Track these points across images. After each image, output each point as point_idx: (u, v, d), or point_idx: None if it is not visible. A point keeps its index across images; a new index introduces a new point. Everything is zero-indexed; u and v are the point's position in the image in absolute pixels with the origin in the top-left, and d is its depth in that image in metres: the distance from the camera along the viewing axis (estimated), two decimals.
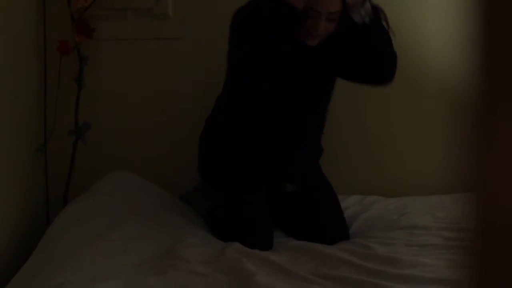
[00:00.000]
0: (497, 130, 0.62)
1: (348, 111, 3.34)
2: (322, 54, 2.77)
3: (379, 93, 3.30)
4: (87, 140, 3.24)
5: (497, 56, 0.64)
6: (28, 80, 3.06)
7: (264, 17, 2.60)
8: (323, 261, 2.49)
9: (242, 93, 2.82)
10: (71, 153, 3.25)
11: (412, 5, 3.28)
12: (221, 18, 2.84)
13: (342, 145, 3.36)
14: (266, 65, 2.63)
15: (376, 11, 2.68)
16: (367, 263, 2.45)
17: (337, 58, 2.79)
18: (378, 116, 3.36)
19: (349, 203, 3.15)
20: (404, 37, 3.26)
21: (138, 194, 3.03)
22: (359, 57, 2.74)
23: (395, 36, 2.73)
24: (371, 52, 2.71)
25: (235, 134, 2.84)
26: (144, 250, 2.54)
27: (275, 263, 2.44)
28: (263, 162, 2.84)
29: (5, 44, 2.77)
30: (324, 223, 2.85)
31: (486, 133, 0.62)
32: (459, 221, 2.77)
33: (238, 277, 2.32)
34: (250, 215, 2.79)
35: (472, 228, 0.66)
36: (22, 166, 2.99)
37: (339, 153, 3.34)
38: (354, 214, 3.03)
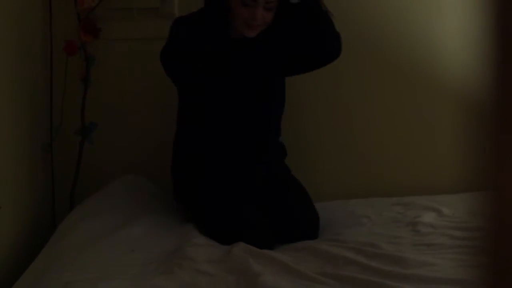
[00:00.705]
0: None
1: (351, 112, 3.34)
2: (261, 49, 2.80)
3: (388, 94, 3.31)
4: (93, 140, 3.25)
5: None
6: (34, 80, 3.07)
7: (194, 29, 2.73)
8: (329, 261, 2.49)
9: (191, 99, 2.86)
10: (77, 153, 3.26)
11: (425, 5, 3.27)
12: None
13: (346, 148, 3.36)
14: (202, 70, 2.72)
15: None
16: (373, 262, 2.44)
17: (277, 49, 2.81)
18: (385, 118, 3.36)
19: (352, 204, 3.16)
20: (417, 37, 3.26)
21: (146, 196, 3.05)
22: (299, 41, 2.77)
23: (333, 16, 2.77)
24: (310, 32, 2.74)
25: (195, 143, 2.88)
26: (151, 249, 2.54)
27: (281, 263, 2.44)
28: (225, 164, 2.86)
29: (11, 44, 2.77)
30: (297, 216, 2.85)
31: (501, 135, 0.62)
32: (467, 220, 2.77)
33: (245, 277, 2.33)
34: (246, 215, 2.79)
35: (485, 228, 0.67)
36: (28, 165, 2.99)
37: (344, 156, 3.35)
38: (360, 214, 3.02)
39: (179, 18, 2.88)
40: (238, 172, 2.88)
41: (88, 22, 3.15)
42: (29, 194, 2.99)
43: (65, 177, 3.27)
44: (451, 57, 3.25)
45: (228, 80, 2.80)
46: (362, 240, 2.70)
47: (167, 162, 3.08)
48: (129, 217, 2.78)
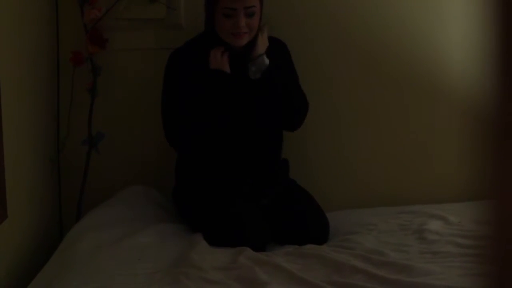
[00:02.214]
0: None
1: (356, 122, 3.35)
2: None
3: (392, 103, 3.32)
4: (100, 150, 3.26)
5: None
6: (41, 91, 3.08)
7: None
8: (336, 269, 2.48)
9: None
10: (84, 163, 3.27)
11: (427, 14, 3.28)
12: None
13: (350, 158, 3.36)
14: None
15: (275, 66, 2.87)
16: (380, 270, 2.44)
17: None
18: (390, 127, 3.36)
19: (359, 213, 3.17)
20: (419, 46, 3.27)
21: (152, 206, 3.06)
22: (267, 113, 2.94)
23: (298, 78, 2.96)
24: (272, 105, 2.91)
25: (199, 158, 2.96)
26: (157, 259, 2.55)
27: (288, 271, 2.44)
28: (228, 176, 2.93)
29: (18, 55, 2.79)
30: (306, 219, 2.87)
31: (506, 142, 0.63)
32: (473, 228, 2.77)
33: (251, 286, 2.33)
34: (238, 212, 2.82)
35: (491, 236, 0.67)
36: (35, 175, 3.00)
37: (350, 166, 3.36)
38: (366, 222, 3.03)
39: (173, 54, 2.98)
40: (243, 196, 2.91)
41: (94, 33, 3.16)
42: (36, 204, 3.00)
43: (72, 187, 3.28)
44: (454, 65, 3.25)
45: (229, 106, 2.88)
46: (369, 247, 2.70)
47: (173, 172, 3.09)
48: (136, 227, 2.79)
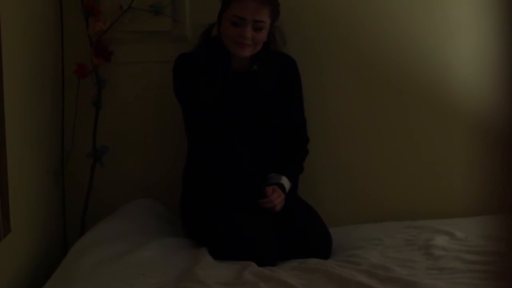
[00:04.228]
0: None
1: (362, 137, 3.33)
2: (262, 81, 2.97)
3: (398, 117, 3.30)
4: (104, 162, 3.25)
5: None
6: (46, 103, 3.07)
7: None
8: (342, 284, 2.45)
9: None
10: (89, 175, 3.25)
11: (435, 28, 3.26)
12: None
13: (357, 174, 3.35)
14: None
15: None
16: (386, 286, 2.41)
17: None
18: (397, 141, 3.34)
19: (365, 228, 3.14)
20: (426, 57, 3.25)
21: (157, 220, 3.05)
22: None
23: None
24: None
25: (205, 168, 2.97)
26: (162, 273, 2.53)
27: (293, 287, 2.42)
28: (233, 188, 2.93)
29: (23, 67, 2.78)
30: (307, 233, 2.85)
31: None
32: (480, 243, 2.74)
33: None
34: (249, 227, 2.81)
35: (500, 252, 0.65)
36: (39, 189, 2.99)
37: (355, 181, 3.34)
38: (372, 237, 3.00)
39: (181, 58, 2.97)
40: (247, 206, 2.90)
41: (100, 45, 3.16)
42: (40, 218, 2.99)
43: (76, 200, 3.27)
44: (460, 77, 3.23)
45: (233, 111, 2.90)
46: (374, 263, 2.68)
47: (178, 185, 3.07)
48: (140, 241, 2.78)
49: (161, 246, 2.78)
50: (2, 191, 2.48)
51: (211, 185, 2.94)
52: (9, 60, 2.55)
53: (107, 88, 3.23)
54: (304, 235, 2.84)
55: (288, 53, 3.07)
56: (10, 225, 2.53)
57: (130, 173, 3.32)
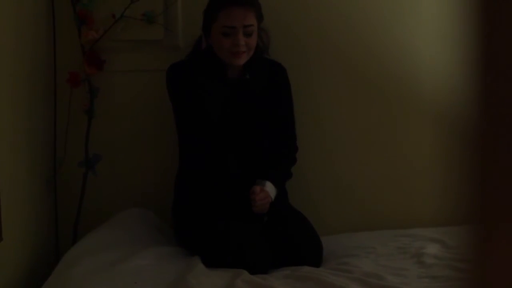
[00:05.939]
0: (496, 161, 0.62)
1: (351, 146, 3.34)
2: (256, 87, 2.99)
3: (387, 127, 3.30)
4: (97, 171, 3.24)
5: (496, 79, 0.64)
6: (38, 111, 3.07)
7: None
8: None
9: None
10: (81, 185, 3.25)
11: (429, 37, 3.26)
12: None
13: (348, 183, 3.35)
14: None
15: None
16: None
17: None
18: (385, 151, 3.35)
19: (357, 236, 3.15)
20: (402, 62, 3.26)
21: (149, 229, 3.05)
22: None
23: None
24: None
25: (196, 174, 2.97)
26: (154, 281, 2.53)
27: None
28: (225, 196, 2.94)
29: (15, 75, 2.78)
30: (298, 240, 2.86)
31: (485, 163, 0.62)
32: (459, 252, 2.75)
33: None
34: (239, 234, 2.81)
35: (472, 259, 0.65)
36: (31, 197, 2.99)
37: (347, 190, 3.35)
38: (365, 245, 3.01)
39: (173, 67, 2.99)
40: (240, 213, 2.91)
41: (92, 54, 3.16)
42: (32, 226, 2.99)
43: (69, 209, 3.26)
44: (453, 86, 3.23)
45: (226, 118, 2.91)
46: (367, 271, 2.68)
47: (170, 195, 3.07)
48: (133, 249, 2.78)
49: (154, 254, 2.78)
50: None
51: (202, 193, 2.95)
52: (0, 68, 2.55)
53: (100, 97, 3.23)
54: (295, 242, 2.84)
55: (278, 59, 3.09)
56: (2, 233, 2.53)
57: (123, 182, 3.32)
